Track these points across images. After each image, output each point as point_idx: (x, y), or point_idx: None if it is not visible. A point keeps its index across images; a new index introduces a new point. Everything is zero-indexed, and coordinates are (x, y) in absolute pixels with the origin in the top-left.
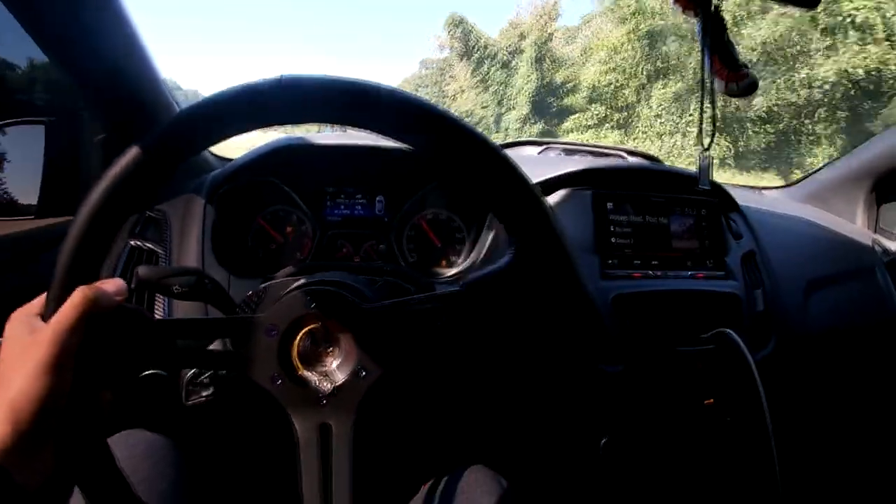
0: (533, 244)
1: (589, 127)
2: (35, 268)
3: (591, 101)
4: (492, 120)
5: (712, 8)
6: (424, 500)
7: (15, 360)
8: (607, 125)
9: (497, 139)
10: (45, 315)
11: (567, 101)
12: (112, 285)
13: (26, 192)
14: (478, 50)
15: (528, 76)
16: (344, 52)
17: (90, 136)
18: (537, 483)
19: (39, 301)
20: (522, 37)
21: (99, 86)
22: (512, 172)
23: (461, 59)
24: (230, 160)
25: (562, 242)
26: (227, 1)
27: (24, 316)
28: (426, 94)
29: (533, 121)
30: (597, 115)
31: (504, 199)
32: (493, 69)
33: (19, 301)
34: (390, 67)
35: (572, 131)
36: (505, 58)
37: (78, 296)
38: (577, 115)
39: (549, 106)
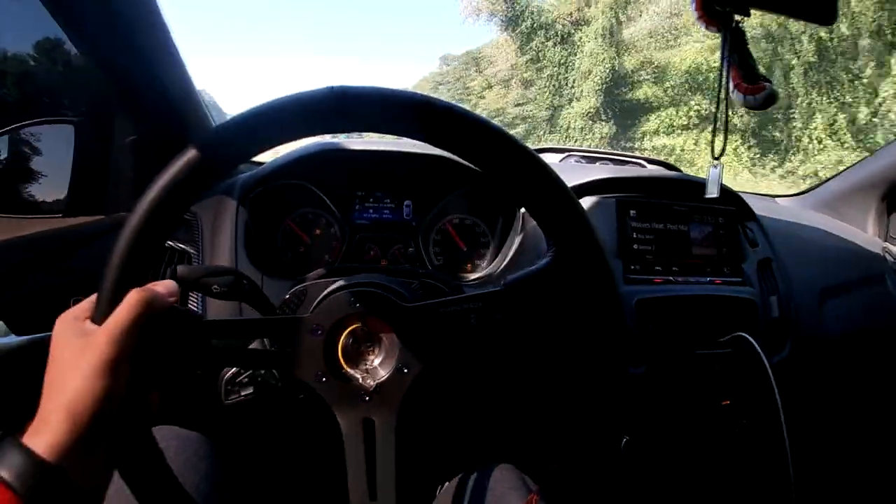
0: (572, 248)
1: (684, 128)
2: (66, 265)
3: (677, 93)
4: (543, 116)
5: (734, 24)
6: (452, 494)
7: (69, 363)
8: (711, 125)
9: (554, 142)
10: (98, 317)
11: (639, 93)
12: (164, 287)
13: (55, 190)
14: (527, 17)
15: (598, 56)
16: (362, 52)
17: (120, 137)
18: (561, 481)
19: (88, 304)
20: (588, 4)
21: (132, 87)
22: (551, 180)
23: (504, 31)
24: (260, 163)
25: (600, 247)
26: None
27: (73, 319)
28: (447, 91)
29: (604, 117)
30: (696, 111)
31: (544, 205)
32: (547, 44)
33: (51, 298)
34: (408, 67)
35: (657, 133)
36: (565, 30)
37: (133, 298)
38: (665, 110)
39: (615, 98)
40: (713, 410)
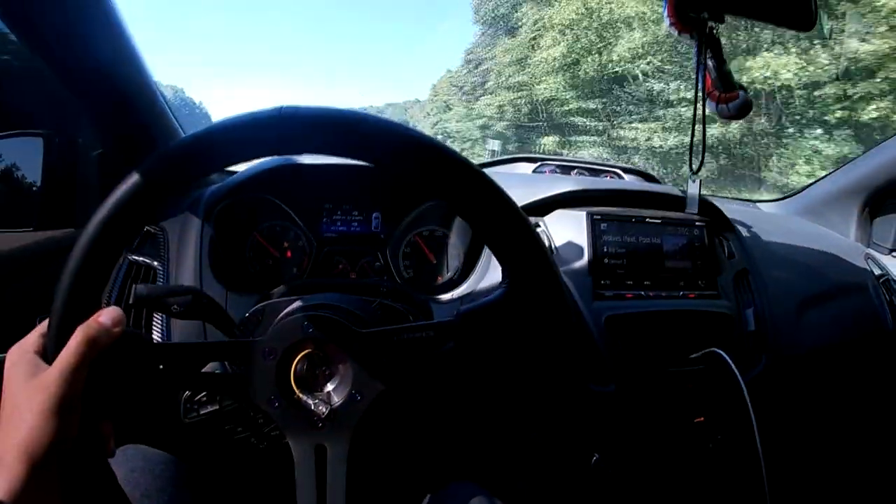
0: (527, 278)
1: None
2: (36, 280)
3: None
4: None
5: (707, 30)
6: None
7: (22, 403)
8: None
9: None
10: (48, 355)
11: None
12: (109, 317)
13: (25, 204)
14: None
15: None
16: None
17: (88, 149)
18: (528, 500)
19: (36, 336)
20: None
21: (96, 99)
22: (505, 205)
23: None
24: (232, 173)
25: (556, 277)
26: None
27: (23, 353)
28: None
29: None
30: None
31: (497, 232)
32: None
33: (23, 314)
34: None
35: None
36: None
37: (79, 337)
38: None
39: None
40: (686, 428)
